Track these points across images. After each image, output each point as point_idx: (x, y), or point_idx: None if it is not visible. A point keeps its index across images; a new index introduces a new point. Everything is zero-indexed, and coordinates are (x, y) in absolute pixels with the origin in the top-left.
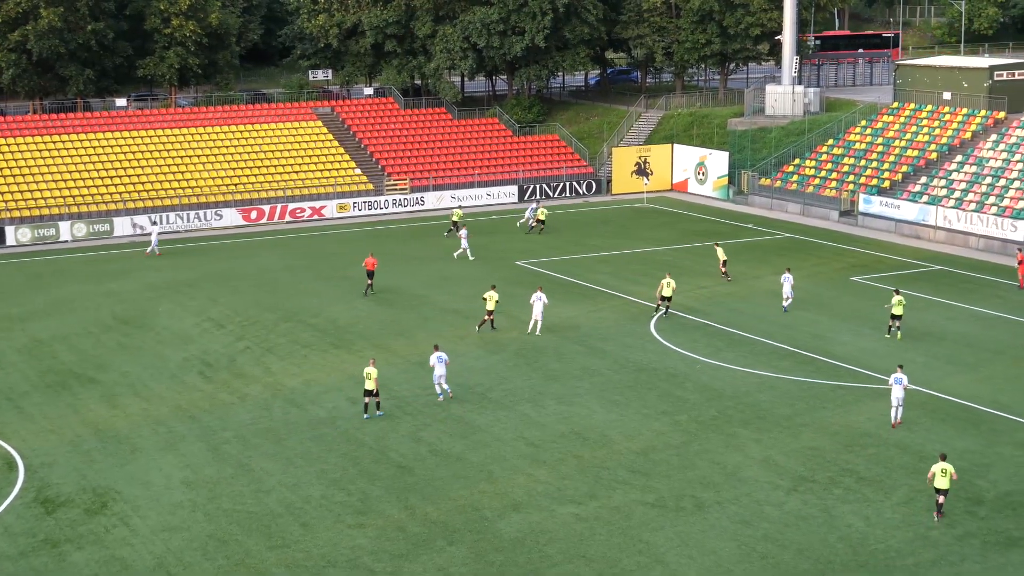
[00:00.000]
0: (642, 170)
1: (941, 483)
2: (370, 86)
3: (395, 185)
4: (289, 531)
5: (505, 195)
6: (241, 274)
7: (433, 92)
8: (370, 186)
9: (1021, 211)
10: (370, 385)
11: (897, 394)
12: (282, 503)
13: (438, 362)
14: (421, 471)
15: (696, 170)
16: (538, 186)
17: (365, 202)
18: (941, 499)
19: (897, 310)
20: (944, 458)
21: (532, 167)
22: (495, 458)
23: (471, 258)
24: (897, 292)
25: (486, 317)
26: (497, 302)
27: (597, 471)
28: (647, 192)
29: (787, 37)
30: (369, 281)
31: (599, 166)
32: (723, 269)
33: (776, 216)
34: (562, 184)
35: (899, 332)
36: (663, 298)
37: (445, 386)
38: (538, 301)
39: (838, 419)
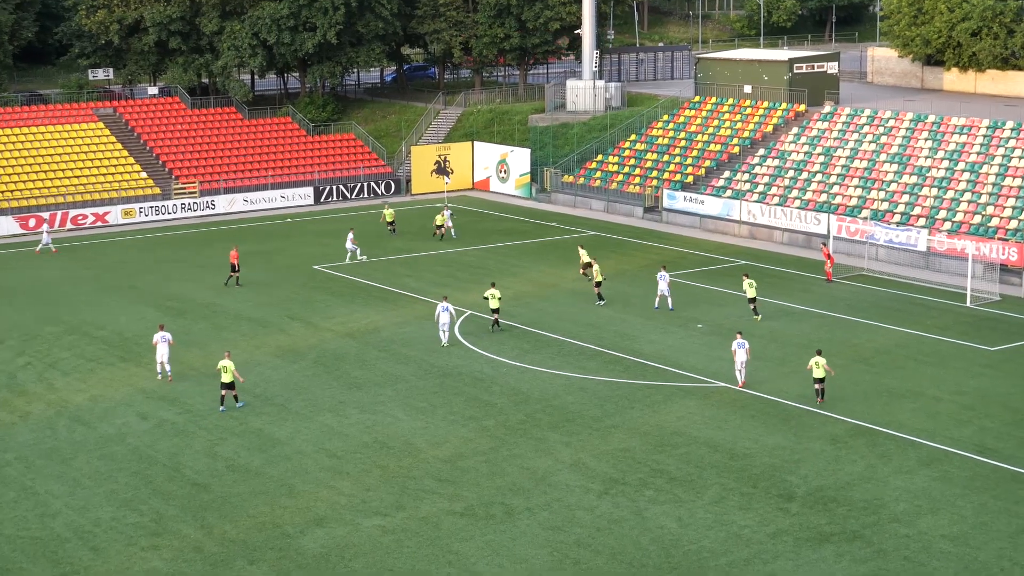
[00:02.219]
0: (442, 169)
1: (818, 373)
2: (154, 85)
3: (183, 189)
4: (78, 556)
5: (300, 197)
6: (19, 286)
7: (222, 91)
8: (157, 190)
9: (824, 204)
10: (226, 378)
11: (740, 357)
12: (70, 527)
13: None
14: (218, 488)
15: (498, 168)
16: (334, 187)
17: (152, 207)
18: (820, 386)
19: (750, 293)
20: (820, 353)
21: (328, 167)
22: (296, 472)
23: (360, 258)
24: (747, 276)
25: (494, 316)
26: (500, 299)
27: (403, 481)
28: (448, 191)
29: (587, 31)
30: (233, 273)
31: (398, 165)
32: (583, 271)
33: (580, 214)
34: (360, 185)
35: (758, 316)
36: (597, 284)
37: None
38: (444, 312)
39: (648, 419)
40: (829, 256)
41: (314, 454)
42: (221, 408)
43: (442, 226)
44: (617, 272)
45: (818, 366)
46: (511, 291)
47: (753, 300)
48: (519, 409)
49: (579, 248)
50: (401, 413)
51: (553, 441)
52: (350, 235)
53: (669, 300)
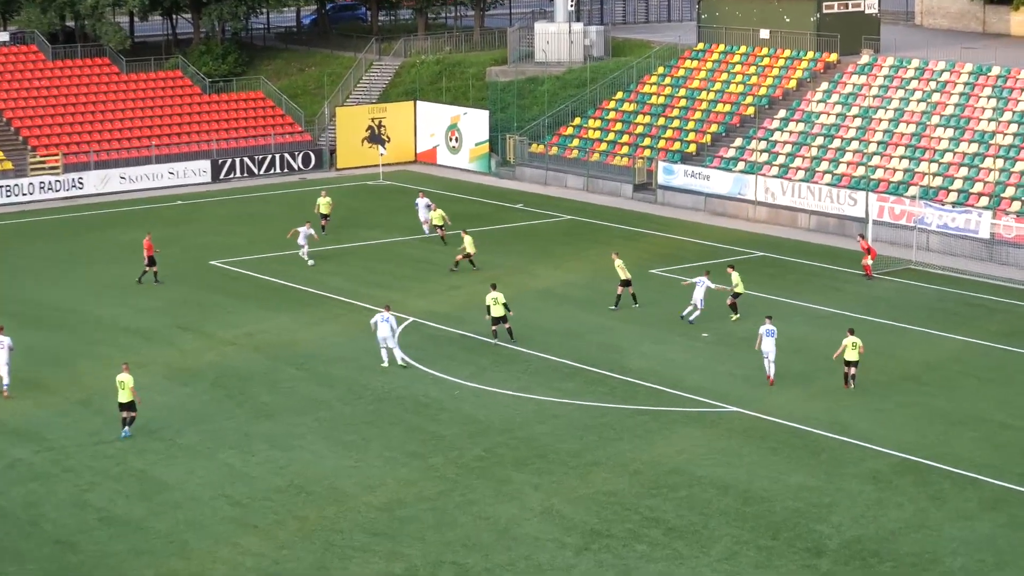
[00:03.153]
0: (376, 136)
1: (851, 356)
2: (5, 30)
3: (42, 163)
4: None
5: (194, 173)
6: None
7: (92, 37)
8: (8, 165)
9: (861, 180)
10: (124, 396)
11: (768, 347)
12: None
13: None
14: (88, 546)
15: (447, 135)
16: (239, 160)
17: (2, 186)
18: (853, 371)
19: (739, 288)
20: (852, 332)
21: (230, 135)
22: (190, 524)
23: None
24: (732, 268)
25: (505, 325)
26: (506, 305)
27: (327, 536)
28: (384, 165)
29: None
30: (149, 268)
31: (319, 133)
32: (459, 257)
33: (553, 193)
34: (271, 157)
35: (737, 314)
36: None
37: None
38: (384, 323)
39: (640, 454)
40: (869, 249)
41: (212, 501)
42: (123, 434)
43: (441, 226)
44: (599, 269)
45: (854, 347)
46: (464, 292)
47: (737, 297)
48: (475, 442)
49: (614, 257)
50: (324, 449)
51: (519, 482)
52: (303, 231)
53: (695, 312)
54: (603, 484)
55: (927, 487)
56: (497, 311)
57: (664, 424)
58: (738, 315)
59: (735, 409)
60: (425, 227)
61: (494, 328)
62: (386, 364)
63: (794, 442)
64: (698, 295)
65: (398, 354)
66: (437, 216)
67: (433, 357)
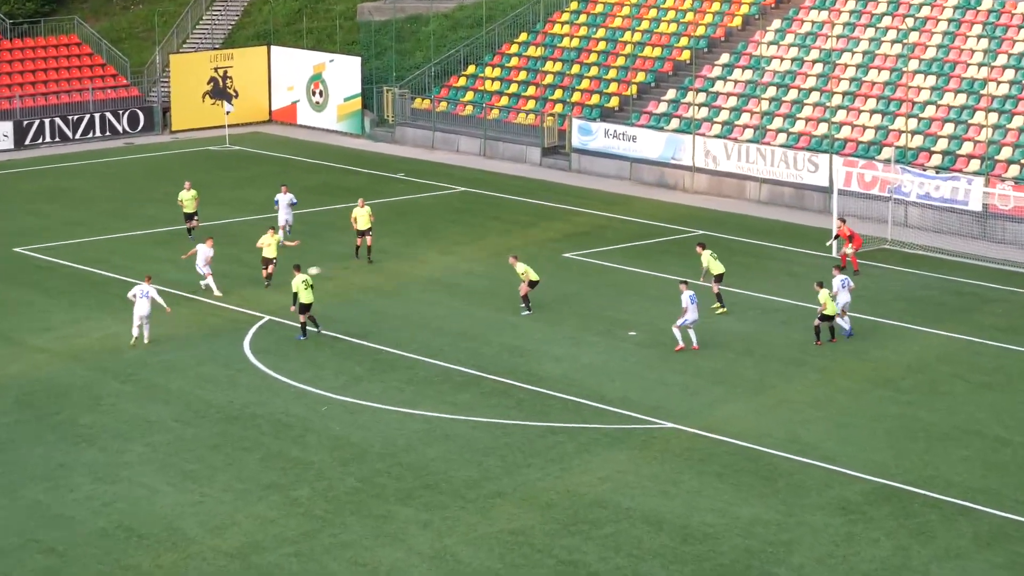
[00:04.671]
0: (221, 91)
1: (831, 309)
2: None
3: None
4: None
5: None
6: None
7: None
8: None
9: (823, 140)
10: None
11: (694, 315)
12: None
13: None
14: None
15: (309, 88)
16: (48, 121)
17: None
18: (826, 323)
19: (716, 268)
20: (823, 285)
21: (37, 90)
22: None
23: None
24: (703, 246)
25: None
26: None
27: None
28: (231, 126)
29: None
30: None
31: (149, 87)
32: (359, 242)
33: (442, 159)
34: (89, 117)
35: (721, 306)
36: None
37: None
38: (143, 298)
39: (554, 482)
40: (852, 235)
41: (18, 551)
42: None
43: (368, 232)
44: (498, 252)
45: (831, 298)
46: (333, 283)
47: (720, 279)
48: (349, 470)
49: (512, 262)
50: (159, 481)
51: (404, 520)
52: (203, 250)
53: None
54: (508, 521)
55: (909, 519)
56: (307, 297)
57: (583, 445)
58: (724, 307)
59: (670, 425)
60: (282, 233)
61: (304, 319)
62: (132, 343)
63: (744, 465)
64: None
65: (135, 331)
66: (364, 218)
67: (296, 365)
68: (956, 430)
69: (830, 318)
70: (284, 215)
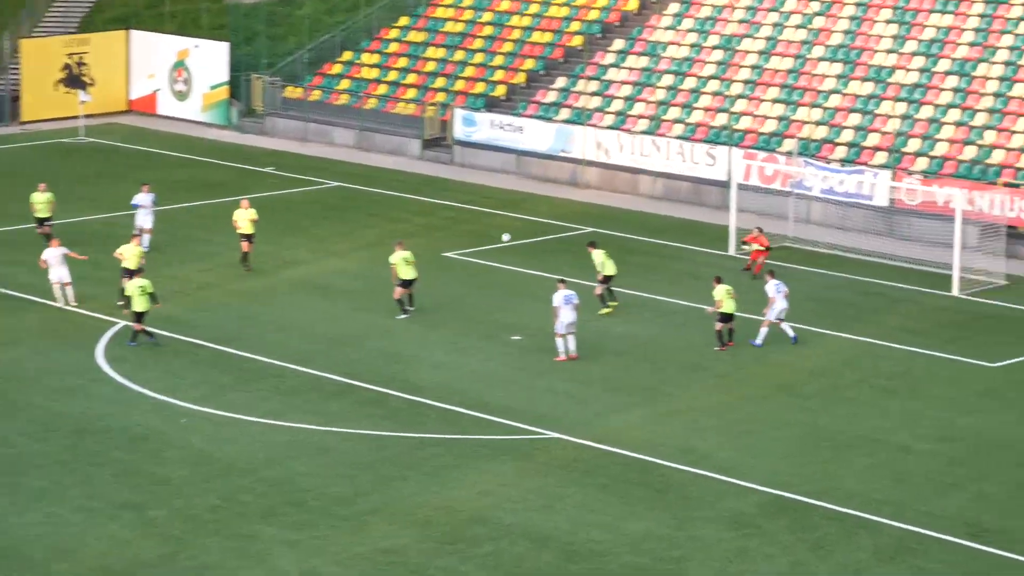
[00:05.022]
0: (76, 79)
1: (730, 306)
2: None
3: None
4: None
5: None
6: None
7: None
8: None
9: (722, 131)
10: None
11: (569, 317)
12: None
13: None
14: None
15: (172, 75)
16: None
17: None
18: (726, 326)
19: (609, 269)
20: (721, 281)
21: None
22: None
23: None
24: (594, 245)
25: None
26: (152, 296)
27: None
28: (87, 116)
29: None
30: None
31: None
32: (245, 248)
33: (315, 152)
34: None
35: (611, 303)
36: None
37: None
38: None
39: (430, 498)
40: (766, 249)
41: None
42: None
43: (251, 237)
44: (374, 252)
45: (730, 296)
46: (195, 284)
47: (609, 280)
48: (210, 487)
49: (397, 249)
50: (2, 500)
51: (269, 540)
52: (51, 254)
53: (785, 324)
54: (382, 539)
55: (807, 532)
56: (141, 304)
57: (462, 457)
58: (613, 305)
59: (555, 435)
60: (145, 240)
61: (138, 328)
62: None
63: (633, 478)
64: (778, 303)
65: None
66: (246, 221)
67: (153, 374)
68: (859, 438)
69: (729, 318)
70: (144, 219)
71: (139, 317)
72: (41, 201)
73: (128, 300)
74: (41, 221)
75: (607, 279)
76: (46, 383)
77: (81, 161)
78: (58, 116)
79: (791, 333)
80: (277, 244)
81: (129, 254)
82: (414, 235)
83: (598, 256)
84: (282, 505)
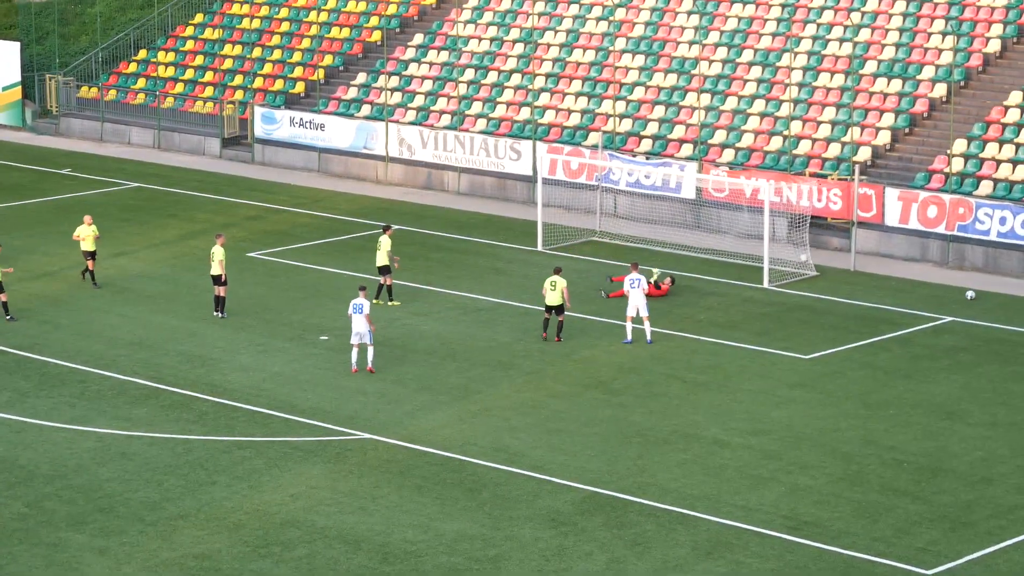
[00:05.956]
0: None
1: (553, 299)
2: None
3: None
4: None
5: None
6: None
7: None
8: None
9: (526, 125)
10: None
11: (361, 327)
12: None
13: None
14: None
15: None
16: None
17: None
18: (551, 317)
19: (382, 259)
20: (559, 272)
21: None
22: None
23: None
24: (387, 229)
25: (548, 316)
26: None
27: None
28: None
29: None
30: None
31: None
32: (90, 266)
33: (112, 152)
34: None
35: (390, 297)
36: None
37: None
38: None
39: (241, 502)
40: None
41: None
42: None
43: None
44: (179, 251)
45: (554, 287)
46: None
47: (386, 271)
48: (15, 495)
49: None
50: None
51: (77, 547)
52: None
53: (646, 325)
54: (193, 544)
55: (623, 529)
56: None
57: (272, 460)
58: (380, 301)
59: (367, 436)
60: None
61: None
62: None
63: (447, 477)
64: (636, 300)
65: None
66: (89, 238)
67: None
68: (672, 433)
69: (554, 309)
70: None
71: None
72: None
73: None
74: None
75: (384, 270)
76: None
77: None
78: None
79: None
80: (75, 248)
81: None
82: (216, 235)
83: (384, 242)
84: (90, 512)
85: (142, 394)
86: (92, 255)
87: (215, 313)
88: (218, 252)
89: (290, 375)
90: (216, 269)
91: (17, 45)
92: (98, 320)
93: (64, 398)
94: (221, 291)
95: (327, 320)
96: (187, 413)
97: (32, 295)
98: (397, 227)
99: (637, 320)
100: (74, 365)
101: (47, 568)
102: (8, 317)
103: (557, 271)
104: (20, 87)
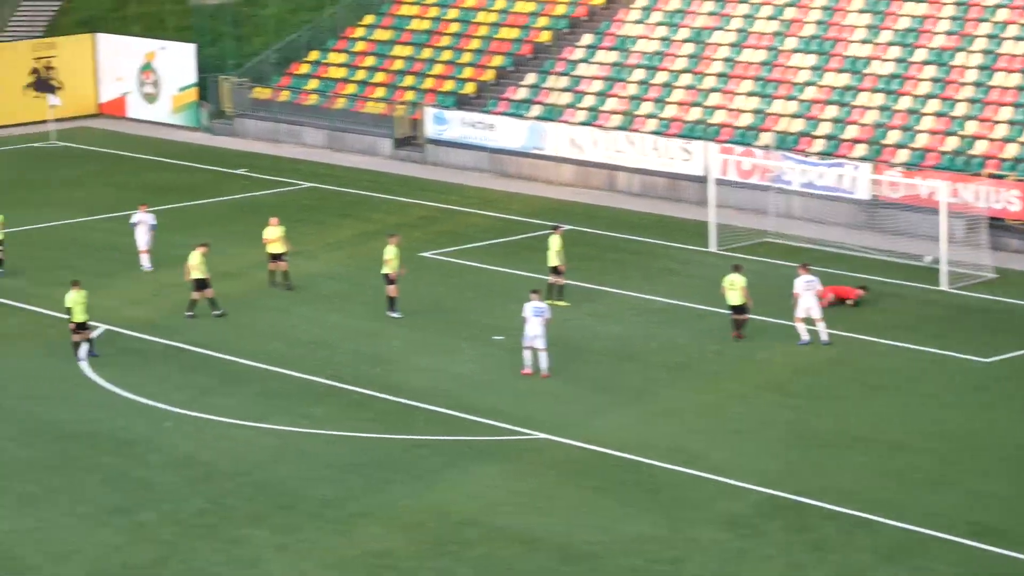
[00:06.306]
0: (44, 83)
1: (734, 298)
2: None
3: None
4: None
5: None
6: None
7: None
8: None
9: (696, 126)
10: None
11: (535, 330)
12: None
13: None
14: None
15: (140, 78)
16: None
17: None
18: (737, 317)
19: (553, 259)
20: (738, 269)
21: None
22: None
23: None
24: (556, 229)
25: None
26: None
27: None
28: (56, 120)
29: None
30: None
31: None
32: (272, 267)
33: (286, 153)
34: None
35: (559, 297)
36: None
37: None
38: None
39: (420, 500)
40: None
41: None
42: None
43: (283, 256)
44: (352, 254)
45: (732, 287)
46: (174, 292)
47: (556, 271)
48: (197, 491)
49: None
50: None
51: (258, 543)
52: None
53: (820, 326)
54: (371, 542)
55: (803, 533)
56: (80, 315)
57: (451, 460)
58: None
59: (545, 436)
60: (144, 258)
61: (78, 339)
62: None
63: (626, 479)
64: (807, 302)
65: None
66: (277, 239)
67: (137, 378)
68: (850, 436)
69: (737, 309)
70: (143, 239)
71: (81, 328)
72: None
73: (69, 311)
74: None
75: (555, 271)
76: (30, 389)
77: (54, 165)
78: (27, 121)
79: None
80: (253, 247)
81: (194, 262)
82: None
83: (555, 242)
84: (270, 508)
85: (321, 393)
86: (280, 257)
87: (389, 313)
88: (391, 252)
89: (466, 375)
90: (387, 268)
91: (193, 47)
92: (277, 319)
93: (245, 396)
94: (392, 290)
95: (502, 320)
96: (366, 412)
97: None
98: (568, 227)
99: (808, 321)
100: (255, 363)
101: (228, 564)
102: (217, 312)
103: (736, 268)
104: (196, 88)
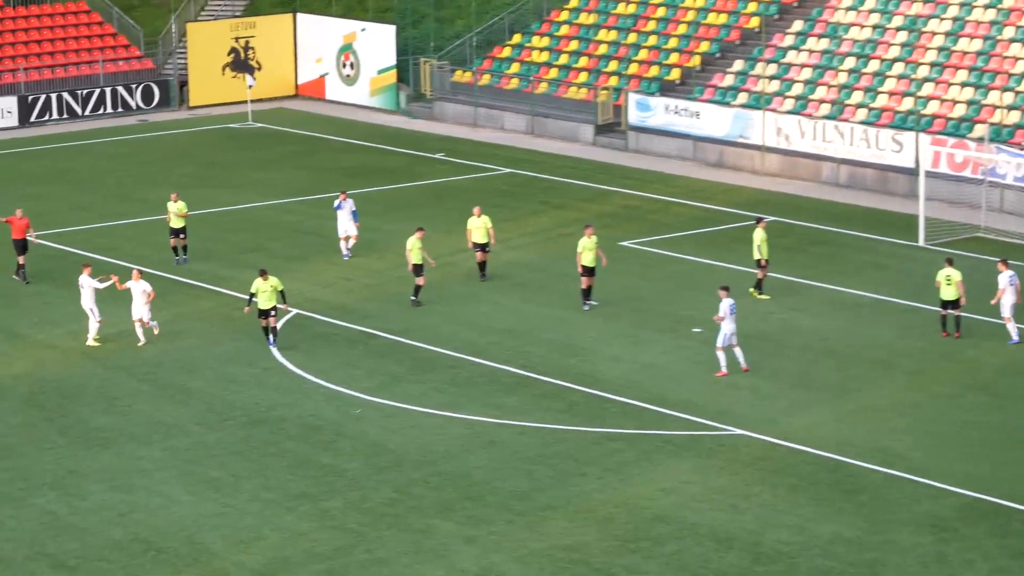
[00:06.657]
0: (243, 63)
1: (948, 293)
2: None
3: None
4: None
5: None
6: None
7: None
8: None
9: (908, 116)
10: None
11: (730, 328)
12: None
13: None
14: None
15: (340, 60)
16: (55, 96)
17: None
18: (950, 312)
19: (757, 253)
20: (951, 263)
21: (43, 62)
22: None
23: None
24: (760, 221)
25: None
26: (283, 293)
27: None
28: (253, 101)
29: None
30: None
31: (164, 58)
32: (481, 258)
33: (485, 137)
34: (99, 92)
35: (759, 290)
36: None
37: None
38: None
39: (611, 495)
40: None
41: (28, 563)
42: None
43: (486, 246)
44: (548, 240)
45: (950, 282)
46: (366, 276)
47: (760, 265)
48: (385, 480)
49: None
50: (179, 490)
51: (445, 534)
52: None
53: (1010, 326)
54: (562, 536)
55: (1007, 538)
56: (267, 301)
57: (644, 454)
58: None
59: (741, 432)
60: (344, 245)
61: (265, 324)
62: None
63: (823, 478)
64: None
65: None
66: (482, 230)
67: (325, 364)
68: None
69: (951, 304)
70: (344, 225)
71: (263, 314)
72: (176, 210)
73: (250, 297)
74: (176, 232)
75: (760, 265)
76: (220, 372)
77: (250, 146)
78: (225, 101)
79: (1014, 335)
80: (447, 232)
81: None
82: (588, 223)
83: (758, 236)
84: (458, 499)
85: (512, 382)
86: (483, 247)
87: (589, 302)
88: (586, 243)
89: (662, 367)
90: (587, 260)
91: (393, 29)
92: (470, 307)
93: (435, 384)
94: (585, 282)
95: (699, 312)
96: (557, 403)
97: (405, 280)
98: (773, 219)
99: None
100: (445, 351)
101: (415, 554)
102: (413, 299)
103: (949, 262)
104: (395, 71)
